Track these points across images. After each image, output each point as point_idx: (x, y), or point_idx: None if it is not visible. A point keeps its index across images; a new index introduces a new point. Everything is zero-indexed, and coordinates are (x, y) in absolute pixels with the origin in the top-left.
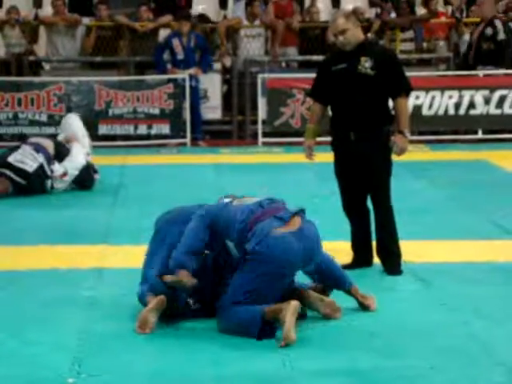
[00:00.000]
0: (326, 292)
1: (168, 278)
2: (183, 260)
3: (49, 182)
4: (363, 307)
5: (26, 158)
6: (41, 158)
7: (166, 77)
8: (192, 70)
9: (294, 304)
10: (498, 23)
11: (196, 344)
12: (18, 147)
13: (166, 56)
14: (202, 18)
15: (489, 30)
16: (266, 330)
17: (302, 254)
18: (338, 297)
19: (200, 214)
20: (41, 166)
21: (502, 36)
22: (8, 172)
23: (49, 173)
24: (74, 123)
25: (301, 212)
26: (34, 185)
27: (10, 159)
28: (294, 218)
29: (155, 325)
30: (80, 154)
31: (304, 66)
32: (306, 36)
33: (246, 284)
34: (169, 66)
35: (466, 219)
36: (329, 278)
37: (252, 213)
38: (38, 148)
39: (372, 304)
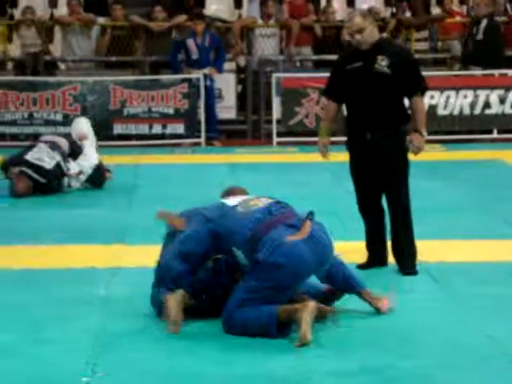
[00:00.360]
0: (336, 295)
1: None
2: (178, 275)
3: (65, 180)
4: (377, 310)
5: (44, 156)
6: (57, 156)
7: (180, 76)
8: (207, 70)
9: (312, 305)
10: (484, 22)
11: (208, 343)
12: (33, 145)
13: (181, 56)
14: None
15: (474, 30)
16: (283, 329)
17: (315, 260)
18: (349, 298)
19: (202, 219)
20: (58, 164)
21: (480, 36)
22: (28, 170)
23: (65, 170)
24: (83, 125)
25: (310, 215)
26: (52, 182)
27: (28, 157)
28: (305, 224)
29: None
30: (93, 153)
31: (319, 65)
32: (321, 35)
33: (255, 291)
34: (183, 65)
35: (482, 219)
36: (338, 281)
37: (260, 221)
38: (54, 146)
39: (382, 306)
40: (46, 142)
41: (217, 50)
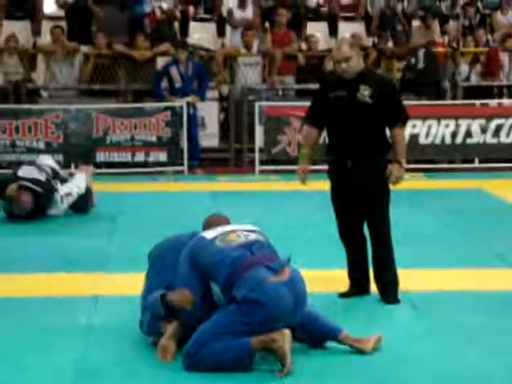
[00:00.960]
0: (317, 346)
1: (171, 295)
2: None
3: (57, 196)
4: (359, 351)
5: (33, 172)
6: (45, 174)
7: (163, 105)
8: (190, 98)
9: (288, 333)
10: (421, 52)
11: (193, 375)
12: (17, 168)
13: (164, 84)
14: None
15: (413, 60)
16: (250, 361)
17: (293, 304)
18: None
19: (185, 252)
20: (47, 179)
21: (421, 65)
22: (26, 183)
23: (56, 186)
24: (49, 161)
25: (288, 261)
26: (47, 194)
27: (20, 173)
28: (285, 268)
29: (175, 351)
30: (83, 180)
31: (301, 94)
32: (303, 64)
33: (229, 326)
34: (166, 94)
35: (464, 248)
36: (313, 330)
37: (241, 258)
38: (40, 167)
39: (368, 347)
40: (30, 164)
41: (200, 78)
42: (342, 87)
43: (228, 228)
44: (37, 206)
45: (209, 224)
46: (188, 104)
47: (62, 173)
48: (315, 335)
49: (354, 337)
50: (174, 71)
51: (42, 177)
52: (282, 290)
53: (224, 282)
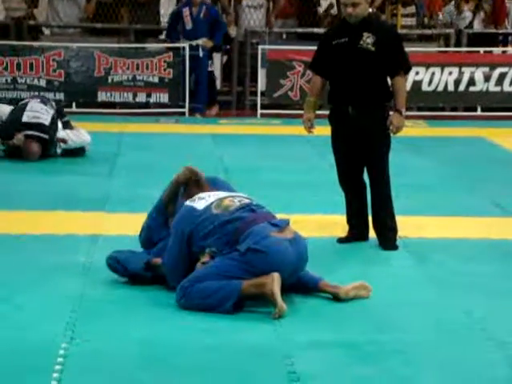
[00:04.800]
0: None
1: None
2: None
3: (60, 133)
4: (336, 297)
5: (39, 113)
6: (51, 110)
7: (166, 45)
8: (201, 41)
9: (277, 275)
10: None
11: (188, 312)
12: (24, 104)
13: (180, 27)
14: None
15: None
16: (239, 304)
17: (295, 262)
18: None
19: (174, 233)
20: (53, 118)
21: None
22: (33, 132)
23: (59, 125)
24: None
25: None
26: (52, 138)
27: (25, 119)
28: (288, 227)
29: None
30: (86, 134)
31: (303, 38)
32: (306, 8)
33: (229, 270)
34: (181, 36)
35: (463, 196)
36: (298, 283)
37: (244, 217)
38: (45, 100)
39: (342, 292)
40: (36, 97)
41: (215, 22)
42: (346, 34)
43: (221, 194)
44: (43, 151)
45: (193, 192)
46: (197, 46)
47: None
48: (295, 285)
49: (333, 284)
50: (186, 13)
51: (48, 117)
52: (286, 245)
53: (227, 239)
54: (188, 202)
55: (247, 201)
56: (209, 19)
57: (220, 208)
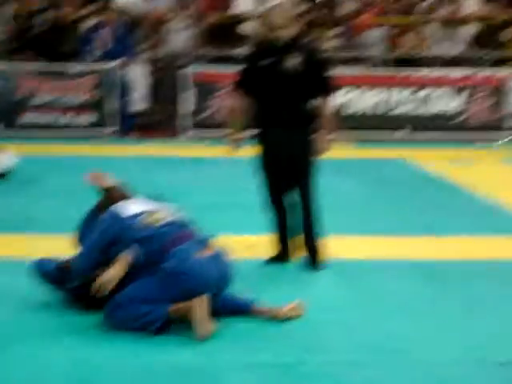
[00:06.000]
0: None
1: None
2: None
3: None
4: (273, 319)
5: None
6: None
7: (90, 67)
8: (118, 61)
9: (204, 299)
10: None
11: (107, 335)
12: None
13: (91, 47)
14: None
15: None
16: (166, 326)
17: (217, 278)
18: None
19: (100, 231)
20: None
21: None
22: None
23: None
24: None
25: (212, 238)
26: None
27: None
28: (210, 244)
29: None
30: (12, 158)
31: (226, 60)
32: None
33: (152, 292)
34: (93, 56)
35: (386, 216)
36: (226, 304)
37: (169, 234)
38: None
39: (280, 313)
40: None
41: (125, 42)
42: (272, 54)
43: (152, 207)
44: None
45: (114, 199)
46: (115, 67)
47: None
48: (228, 309)
49: (267, 307)
50: (100, 34)
51: None
52: (207, 264)
53: (151, 256)
54: (113, 208)
55: (176, 216)
56: (122, 38)
57: (149, 220)
